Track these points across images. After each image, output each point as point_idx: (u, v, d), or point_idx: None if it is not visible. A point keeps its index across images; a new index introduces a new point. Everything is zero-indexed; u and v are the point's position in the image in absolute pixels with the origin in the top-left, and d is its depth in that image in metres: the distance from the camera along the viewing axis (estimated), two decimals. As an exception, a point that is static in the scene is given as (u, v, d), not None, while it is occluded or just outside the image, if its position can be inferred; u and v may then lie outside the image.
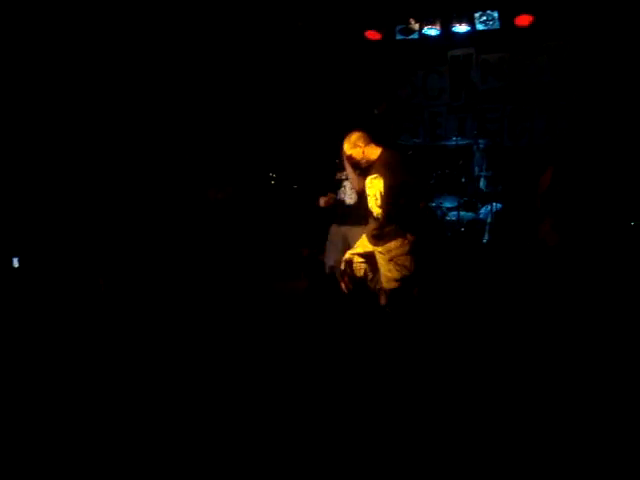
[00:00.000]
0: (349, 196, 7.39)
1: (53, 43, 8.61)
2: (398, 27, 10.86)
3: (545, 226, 7.35)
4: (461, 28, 10.45)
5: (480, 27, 10.31)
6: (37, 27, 8.36)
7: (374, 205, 5.94)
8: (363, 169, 6.18)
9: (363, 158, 6.08)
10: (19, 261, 8.71)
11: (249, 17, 10.23)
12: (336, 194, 7.48)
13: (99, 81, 9.34)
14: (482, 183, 9.96)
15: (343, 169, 7.25)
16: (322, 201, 7.48)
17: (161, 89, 9.99)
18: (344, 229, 7.44)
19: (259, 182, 10.47)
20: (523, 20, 9.90)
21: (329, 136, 8.50)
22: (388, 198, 5.84)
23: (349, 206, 7.39)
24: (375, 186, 5.93)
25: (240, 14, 10.12)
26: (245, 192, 10.28)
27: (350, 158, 6.18)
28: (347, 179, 7.34)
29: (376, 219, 5.98)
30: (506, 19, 10.05)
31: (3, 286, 8.22)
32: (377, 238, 6.06)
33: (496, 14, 10.11)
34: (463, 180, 9.92)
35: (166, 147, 10.01)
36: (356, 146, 6.05)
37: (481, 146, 9.99)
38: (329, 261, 7.58)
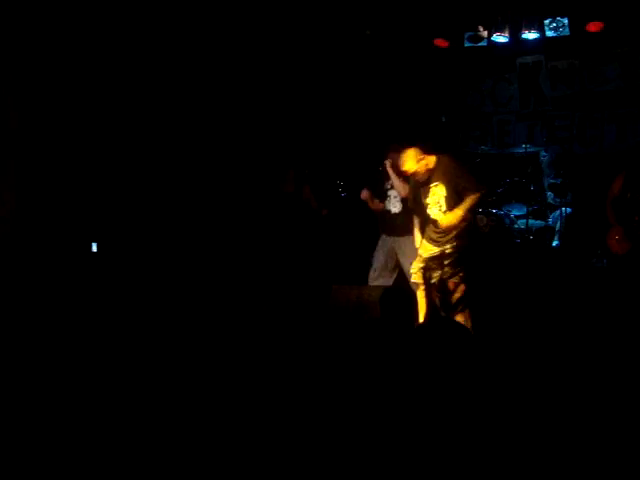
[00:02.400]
0: (394, 205, 7.51)
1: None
2: (467, 34, 10.84)
3: (615, 234, 7.26)
4: (530, 35, 10.37)
5: (550, 34, 10.22)
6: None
7: (439, 212, 6.03)
8: (422, 180, 6.26)
9: (426, 170, 6.15)
10: (97, 246, 9.04)
11: (319, 25, 10.34)
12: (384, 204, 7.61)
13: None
14: (550, 194, 9.91)
15: (387, 179, 7.38)
16: (365, 193, 7.62)
17: (248, 86, 10.23)
18: (391, 240, 7.55)
19: (330, 187, 10.54)
20: (594, 26, 9.78)
21: (397, 144, 8.58)
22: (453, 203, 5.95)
23: (395, 215, 7.50)
24: (437, 193, 6.02)
25: (311, 22, 10.24)
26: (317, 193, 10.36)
27: (415, 174, 6.23)
28: (391, 188, 7.45)
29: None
30: (576, 25, 9.94)
31: (83, 270, 8.47)
32: (441, 240, 6.16)
33: (566, 20, 10.01)
34: (532, 188, 9.87)
35: (247, 142, 10.25)
36: (419, 161, 6.11)
37: (549, 154, 9.92)
38: (374, 266, 7.69)
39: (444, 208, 6.02)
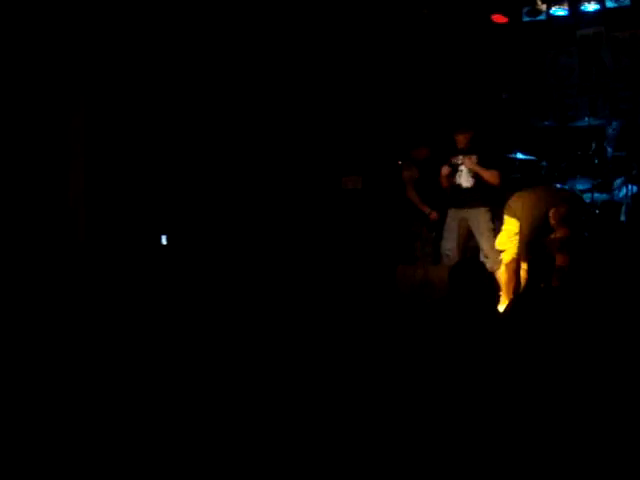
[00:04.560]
0: (466, 179, 7.65)
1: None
2: (525, 9, 10.79)
3: None
4: (590, 6, 10.28)
5: (610, 4, 10.13)
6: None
7: None
8: None
9: None
10: (167, 239, 9.26)
11: (378, 6, 10.38)
12: (453, 177, 7.76)
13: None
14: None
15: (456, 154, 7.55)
16: (445, 169, 7.81)
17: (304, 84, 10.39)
18: (462, 213, 7.66)
19: (389, 171, 10.64)
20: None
21: (459, 121, 8.67)
22: None
23: (466, 189, 7.63)
24: None
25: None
26: (375, 181, 10.47)
27: None
28: (462, 164, 7.59)
29: None
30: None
31: (153, 262, 8.66)
32: None
33: (627, -10, 9.92)
34: (596, 162, 9.81)
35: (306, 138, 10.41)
36: None
37: (614, 126, 9.84)
38: (446, 246, 7.79)
39: None
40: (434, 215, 8.45)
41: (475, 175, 7.69)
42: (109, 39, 8.70)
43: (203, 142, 9.66)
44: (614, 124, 9.89)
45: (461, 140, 7.95)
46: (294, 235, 9.69)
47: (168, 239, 9.29)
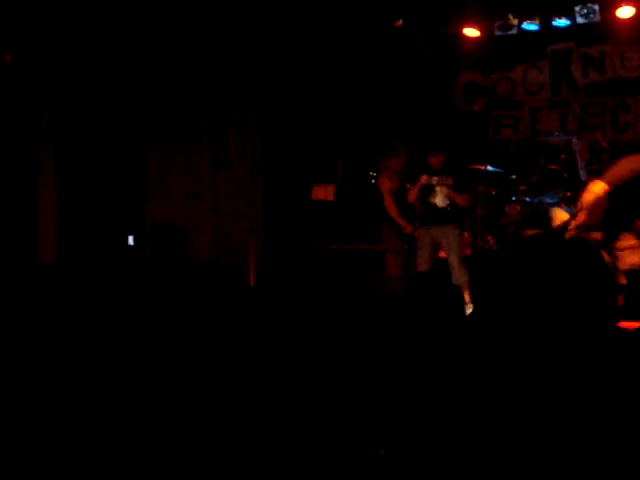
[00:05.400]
0: (441, 200, 7.77)
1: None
2: (497, 23, 10.86)
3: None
4: (561, 22, 10.38)
5: (580, 20, 10.20)
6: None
7: None
8: None
9: None
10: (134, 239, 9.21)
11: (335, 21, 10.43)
12: (424, 198, 7.86)
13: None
14: (584, 178, 9.90)
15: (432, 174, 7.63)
16: (409, 228, 7.96)
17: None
18: (434, 230, 7.78)
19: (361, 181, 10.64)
20: (624, 12, 9.77)
21: (425, 136, 8.72)
22: None
23: (441, 209, 7.76)
24: None
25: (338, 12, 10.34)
26: (348, 191, 10.46)
27: None
28: (437, 184, 7.69)
29: None
30: (607, 11, 9.93)
31: (120, 263, 8.60)
32: None
33: (597, 7, 9.99)
34: (565, 175, 9.88)
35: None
36: None
37: (581, 141, 9.94)
38: (420, 261, 7.88)
39: None
40: (409, 229, 8.52)
41: (450, 197, 7.87)
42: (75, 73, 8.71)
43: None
44: (582, 138, 9.98)
45: (435, 162, 8.07)
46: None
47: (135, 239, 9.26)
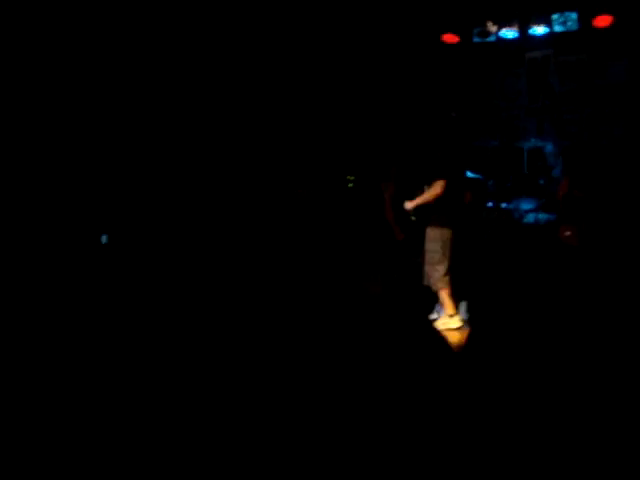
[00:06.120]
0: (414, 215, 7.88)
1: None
2: (475, 30, 10.92)
3: (566, 229, 7.69)
4: (539, 30, 10.44)
5: (558, 29, 10.27)
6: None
7: None
8: None
9: None
10: (108, 238, 9.15)
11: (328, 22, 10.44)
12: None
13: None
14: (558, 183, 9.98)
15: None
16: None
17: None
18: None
19: (335, 184, 10.65)
20: (602, 21, 9.82)
21: (407, 138, 8.74)
22: None
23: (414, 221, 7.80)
24: None
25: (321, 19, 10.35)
26: (319, 192, 10.48)
27: None
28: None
29: None
30: (585, 20, 10.00)
31: (93, 262, 8.56)
32: None
33: (574, 15, 10.06)
34: (541, 182, 9.93)
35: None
36: None
37: (552, 147, 10.03)
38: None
39: None
40: (401, 237, 8.55)
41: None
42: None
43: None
44: (549, 146, 10.06)
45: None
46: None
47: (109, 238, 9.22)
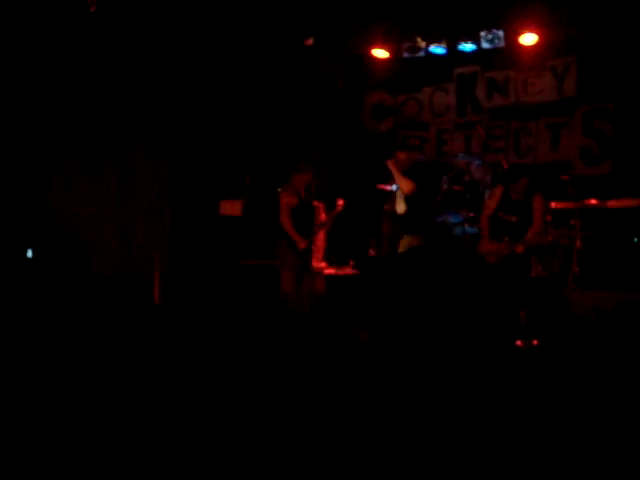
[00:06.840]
0: (399, 205, 8.01)
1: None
2: (405, 45, 11.00)
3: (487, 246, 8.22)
4: (467, 46, 10.58)
5: (486, 45, 10.41)
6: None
7: None
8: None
9: None
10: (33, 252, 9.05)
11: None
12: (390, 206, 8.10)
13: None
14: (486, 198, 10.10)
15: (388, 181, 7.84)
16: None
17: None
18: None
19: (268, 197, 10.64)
20: (528, 39, 10.01)
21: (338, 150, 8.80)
22: None
23: (400, 216, 7.98)
24: None
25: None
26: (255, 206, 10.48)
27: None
28: (396, 189, 7.93)
29: None
30: (511, 38, 10.16)
31: (18, 276, 8.46)
32: None
33: (501, 33, 10.22)
34: (468, 196, 10.03)
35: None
36: None
37: (479, 162, 10.15)
38: None
39: None
40: (303, 244, 8.55)
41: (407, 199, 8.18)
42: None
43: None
44: (477, 161, 10.18)
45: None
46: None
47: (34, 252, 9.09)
